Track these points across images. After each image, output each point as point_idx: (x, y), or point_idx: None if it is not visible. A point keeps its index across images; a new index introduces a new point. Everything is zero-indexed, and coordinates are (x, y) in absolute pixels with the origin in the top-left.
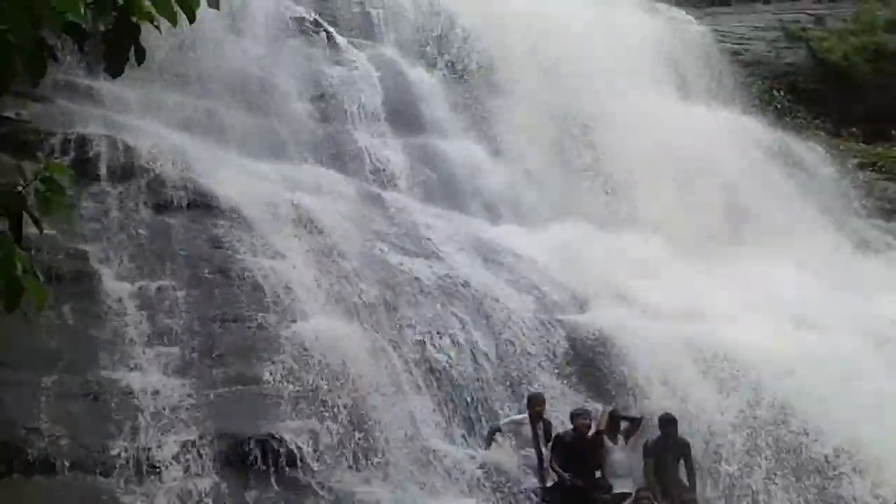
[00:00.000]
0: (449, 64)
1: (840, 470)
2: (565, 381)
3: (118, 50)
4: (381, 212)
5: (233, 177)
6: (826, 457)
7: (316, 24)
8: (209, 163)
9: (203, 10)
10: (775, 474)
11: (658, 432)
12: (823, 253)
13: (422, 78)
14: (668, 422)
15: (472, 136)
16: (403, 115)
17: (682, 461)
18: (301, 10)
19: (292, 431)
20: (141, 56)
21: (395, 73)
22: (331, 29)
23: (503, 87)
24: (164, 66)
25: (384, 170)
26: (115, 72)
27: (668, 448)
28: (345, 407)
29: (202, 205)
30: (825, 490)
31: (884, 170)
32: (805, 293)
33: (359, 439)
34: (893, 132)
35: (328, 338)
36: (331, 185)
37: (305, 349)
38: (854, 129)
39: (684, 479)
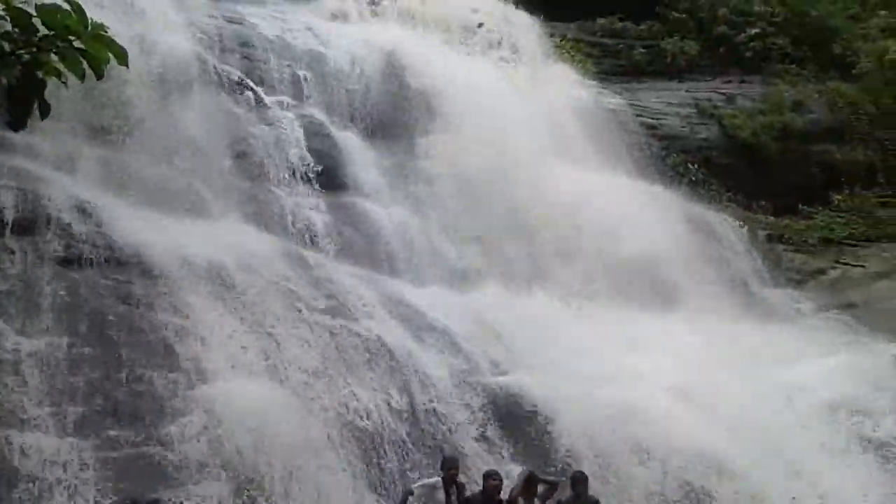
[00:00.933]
0: (375, 126)
1: None
2: (483, 444)
3: (22, 104)
4: (302, 271)
5: (147, 232)
6: None
7: (242, 83)
8: (123, 217)
9: (127, 63)
10: None
11: (570, 492)
12: (732, 320)
13: (347, 138)
14: (579, 481)
15: (396, 198)
16: (328, 175)
17: None
18: (228, 69)
19: (196, 496)
20: (45, 111)
21: (322, 133)
22: (258, 89)
23: (428, 150)
24: (81, 117)
25: (307, 229)
26: (17, 126)
27: None
28: (253, 471)
29: (112, 260)
30: None
31: (791, 241)
32: (711, 360)
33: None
34: (800, 206)
35: (239, 399)
36: (250, 243)
37: (215, 411)
38: (764, 202)
39: None
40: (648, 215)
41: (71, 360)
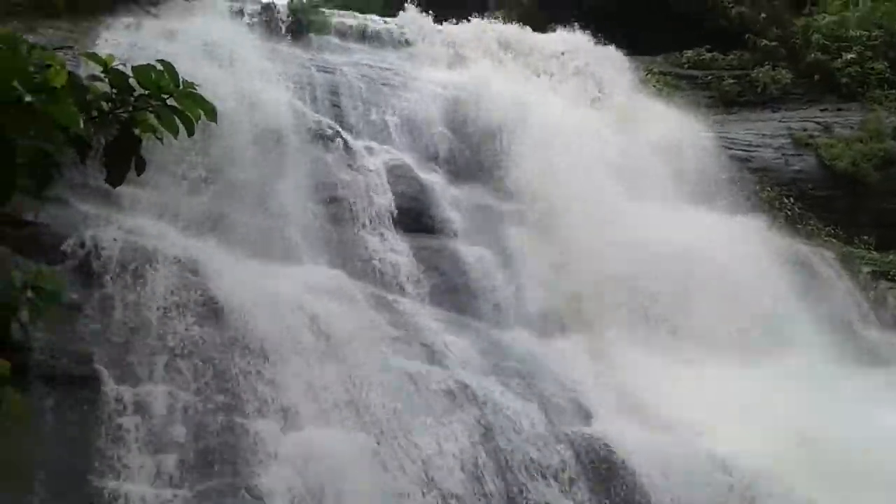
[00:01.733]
0: (460, 168)
1: None
2: (571, 499)
3: (119, 161)
4: (388, 315)
5: (244, 280)
6: None
7: (333, 130)
8: (221, 267)
9: (221, 116)
10: None
11: None
12: (831, 363)
13: (434, 181)
14: None
15: (482, 241)
16: (414, 218)
17: None
18: (319, 118)
19: None
20: (141, 167)
21: (409, 177)
22: (346, 135)
23: (512, 191)
24: (179, 169)
25: (392, 273)
26: (114, 182)
27: None
28: None
29: (212, 309)
30: None
31: None
32: (811, 405)
33: None
34: None
35: (328, 447)
36: (338, 287)
37: (304, 459)
38: (866, 236)
39: None
40: (746, 253)
41: (170, 408)
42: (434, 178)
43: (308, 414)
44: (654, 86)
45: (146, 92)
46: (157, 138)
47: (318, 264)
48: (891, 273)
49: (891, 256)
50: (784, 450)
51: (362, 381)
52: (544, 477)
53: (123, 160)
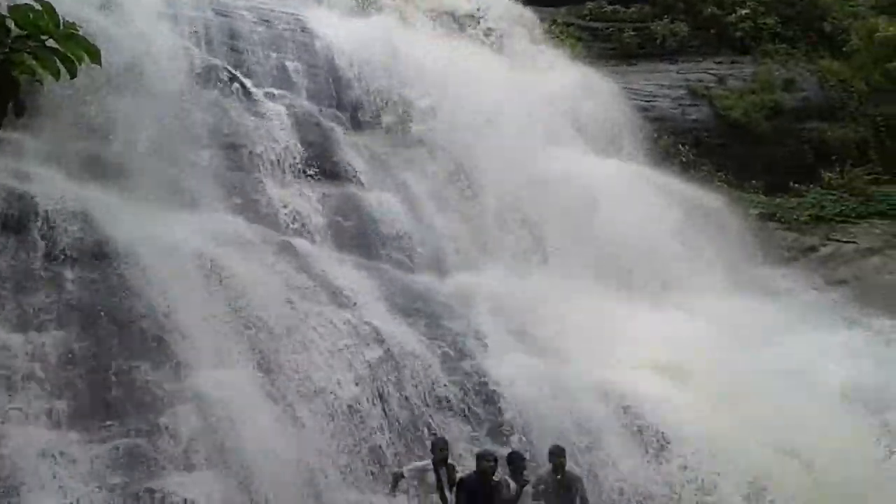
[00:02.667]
0: (363, 115)
1: None
2: (472, 427)
3: None
4: (292, 260)
5: (135, 225)
6: None
7: (230, 74)
8: (110, 211)
9: (107, 59)
10: None
11: (549, 465)
12: (725, 299)
13: (336, 128)
14: (556, 454)
15: (386, 187)
16: (317, 165)
17: (575, 496)
18: (214, 61)
19: (187, 485)
20: (20, 111)
21: (311, 123)
22: (245, 80)
23: (418, 138)
24: (67, 114)
25: (296, 218)
26: None
27: (559, 482)
28: (244, 458)
29: (101, 254)
30: None
31: (782, 219)
32: (705, 339)
33: (256, 490)
34: (792, 184)
35: (229, 389)
36: (239, 233)
37: (204, 401)
38: (755, 181)
39: None
40: (642, 197)
41: (61, 355)
42: (337, 126)
43: (207, 358)
44: (558, 37)
45: (24, 33)
46: (37, 81)
47: (218, 211)
48: (777, 215)
49: (777, 200)
50: (669, 376)
51: (263, 325)
52: (442, 407)
53: (2, 103)
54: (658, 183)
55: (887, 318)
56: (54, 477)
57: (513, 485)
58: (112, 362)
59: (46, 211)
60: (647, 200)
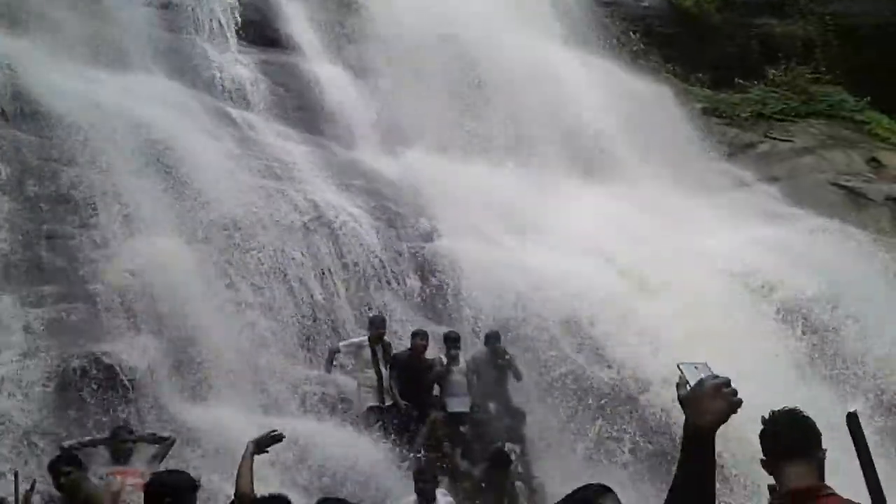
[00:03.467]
0: None
1: None
2: (410, 305)
3: None
4: (230, 130)
5: (66, 85)
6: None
7: None
8: (40, 69)
9: None
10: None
11: (484, 347)
12: (662, 192)
13: None
14: (492, 337)
15: (331, 57)
16: (259, 31)
17: (508, 373)
18: None
19: (122, 350)
20: None
21: None
22: None
23: (366, 7)
24: None
25: (235, 87)
26: None
27: (493, 363)
28: (180, 326)
29: (30, 114)
30: None
31: (725, 115)
32: (636, 228)
33: (194, 358)
34: (737, 80)
35: (163, 256)
36: (175, 98)
37: (138, 267)
38: (702, 74)
39: (510, 392)
40: (589, 86)
41: None
42: None
43: (142, 223)
44: None
45: None
46: None
47: (152, 73)
48: (720, 110)
49: (721, 95)
50: (603, 266)
51: (200, 194)
52: (388, 285)
53: None
54: (604, 72)
55: (814, 215)
56: None
57: (445, 361)
58: (45, 227)
59: None
60: (594, 89)
